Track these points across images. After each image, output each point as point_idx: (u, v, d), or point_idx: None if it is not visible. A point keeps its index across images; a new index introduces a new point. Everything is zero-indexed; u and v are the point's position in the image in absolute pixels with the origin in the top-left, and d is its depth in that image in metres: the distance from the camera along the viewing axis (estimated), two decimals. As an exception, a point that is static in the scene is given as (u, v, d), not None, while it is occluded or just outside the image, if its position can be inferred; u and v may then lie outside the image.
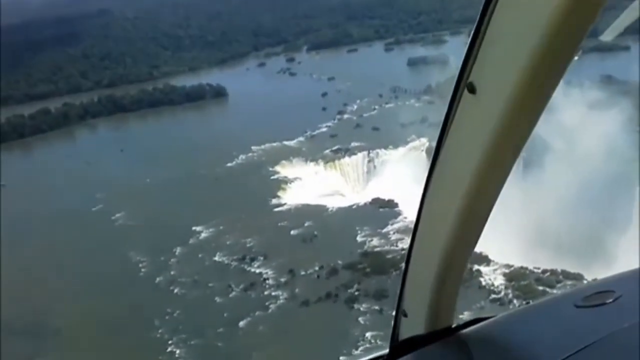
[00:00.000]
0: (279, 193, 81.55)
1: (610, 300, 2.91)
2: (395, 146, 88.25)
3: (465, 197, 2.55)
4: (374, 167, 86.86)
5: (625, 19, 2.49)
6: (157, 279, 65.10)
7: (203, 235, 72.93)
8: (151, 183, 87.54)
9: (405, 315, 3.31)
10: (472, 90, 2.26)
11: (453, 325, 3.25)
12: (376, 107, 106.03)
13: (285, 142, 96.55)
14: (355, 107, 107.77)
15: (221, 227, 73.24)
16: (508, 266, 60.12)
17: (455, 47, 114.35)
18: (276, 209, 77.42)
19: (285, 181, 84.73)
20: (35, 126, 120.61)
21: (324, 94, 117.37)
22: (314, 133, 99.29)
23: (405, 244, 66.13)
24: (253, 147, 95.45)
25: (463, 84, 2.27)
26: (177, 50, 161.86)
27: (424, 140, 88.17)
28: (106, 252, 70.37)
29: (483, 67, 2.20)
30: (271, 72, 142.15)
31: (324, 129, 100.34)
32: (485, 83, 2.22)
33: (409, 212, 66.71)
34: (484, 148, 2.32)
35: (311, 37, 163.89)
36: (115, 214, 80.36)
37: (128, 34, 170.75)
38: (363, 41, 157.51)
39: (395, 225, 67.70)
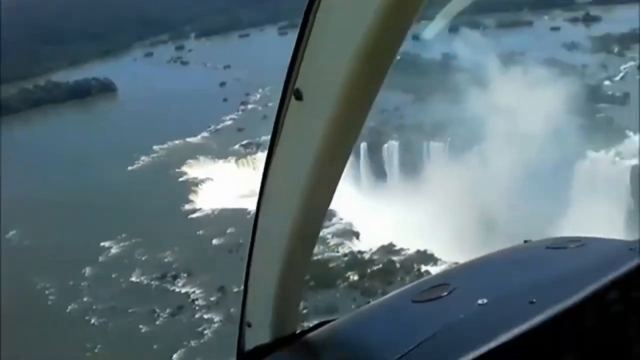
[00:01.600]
0: (191, 197, 75.17)
1: (446, 293, 3.04)
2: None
3: (299, 203, 2.55)
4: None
5: (445, 16, 2.59)
6: (69, 308, 57.87)
7: (113, 251, 66.07)
8: (44, 194, 79.04)
9: (250, 326, 3.30)
10: (298, 97, 2.25)
11: (297, 332, 3.25)
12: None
13: (189, 139, 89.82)
14: (259, 96, 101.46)
15: (133, 241, 66.52)
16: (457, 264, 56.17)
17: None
18: (191, 216, 71.22)
19: (196, 182, 78.24)
20: None
21: (222, 84, 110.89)
22: (219, 127, 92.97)
23: (346, 248, 61.36)
24: (154, 147, 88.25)
25: (290, 91, 2.26)
26: (58, 44, 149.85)
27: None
28: (3, 279, 62.32)
29: (308, 72, 2.19)
30: (160, 61, 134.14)
31: (229, 122, 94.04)
32: (310, 89, 2.22)
33: (345, 212, 61.89)
34: (314, 154, 2.34)
35: (199, 24, 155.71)
36: (7, 232, 72.01)
37: (5, 30, 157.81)
38: (254, 26, 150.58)
39: (332, 229, 62.53)
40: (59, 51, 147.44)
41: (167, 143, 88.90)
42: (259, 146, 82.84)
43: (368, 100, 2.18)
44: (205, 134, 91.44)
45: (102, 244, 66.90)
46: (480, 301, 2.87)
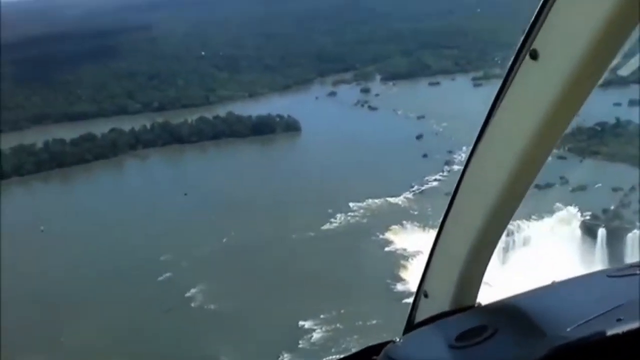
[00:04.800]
0: (401, 273, 63.04)
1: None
2: (539, 217, 69.90)
3: (512, 163, 2.61)
4: (513, 243, 68.37)
5: None
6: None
7: (315, 336, 54.72)
8: (228, 245, 69.77)
9: (426, 296, 3.31)
10: (534, 56, 2.37)
11: (476, 305, 3.20)
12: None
13: (390, 199, 78.41)
14: (464, 156, 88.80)
15: (338, 326, 54.98)
16: None
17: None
18: (406, 300, 59.04)
19: (405, 256, 66.04)
20: (77, 154, 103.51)
21: (419, 137, 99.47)
22: (423, 188, 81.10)
23: None
24: (351, 204, 77.41)
25: (526, 50, 2.38)
26: (234, 73, 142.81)
27: (572, 210, 70.36)
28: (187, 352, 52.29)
29: (548, 34, 2.30)
30: (345, 103, 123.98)
31: (434, 184, 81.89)
32: (548, 50, 2.33)
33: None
34: (539, 114, 2.43)
35: (382, 66, 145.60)
36: (189, 290, 62.52)
37: (178, 52, 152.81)
38: (443, 73, 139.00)
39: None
40: (235, 80, 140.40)
41: (365, 201, 77.89)
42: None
43: (602, 69, 2.25)
44: (408, 194, 79.86)
45: (300, 323, 55.97)
46: None
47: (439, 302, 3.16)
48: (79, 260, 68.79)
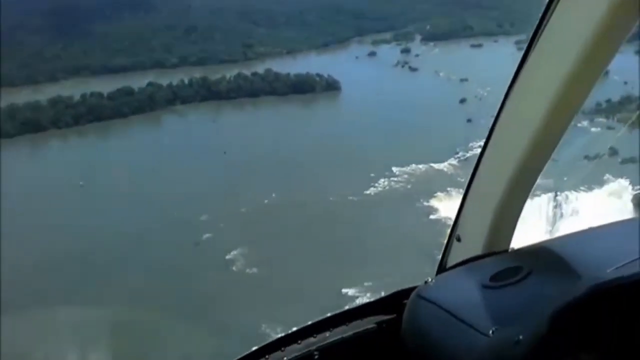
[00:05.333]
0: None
1: None
2: (589, 188, 67.90)
3: (549, 102, 2.65)
4: (561, 215, 66.38)
5: None
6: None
7: (358, 301, 53.61)
8: (269, 206, 68.67)
9: (459, 240, 3.34)
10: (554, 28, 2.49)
11: (509, 249, 3.20)
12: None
13: (434, 165, 76.80)
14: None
15: (382, 294, 53.72)
16: None
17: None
18: (452, 270, 57.79)
19: (450, 224, 64.49)
20: (115, 108, 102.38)
21: (462, 100, 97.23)
22: (468, 155, 78.92)
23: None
24: (394, 169, 75.70)
25: (544, 23, 2.49)
26: (271, 29, 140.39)
27: (623, 182, 68.36)
28: (231, 313, 51.37)
29: (563, 9, 2.41)
30: (385, 63, 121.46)
31: (478, 150, 79.72)
32: (564, 23, 2.44)
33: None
34: (576, 55, 2.46)
35: (423, 25, 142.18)
36: (230, 251, 61.56)
37: (214, 5, 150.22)
38: (485, 35, 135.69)
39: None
40: (272, 36, 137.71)
41: (408, 166, 76.22)
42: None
43: (623, 33, 2.32)
44: (453, 161, 78.09)
45: (343, 290, 54.84)
46: None
47: (471, 246, 3.15)
48: (118, 217, 68.14)
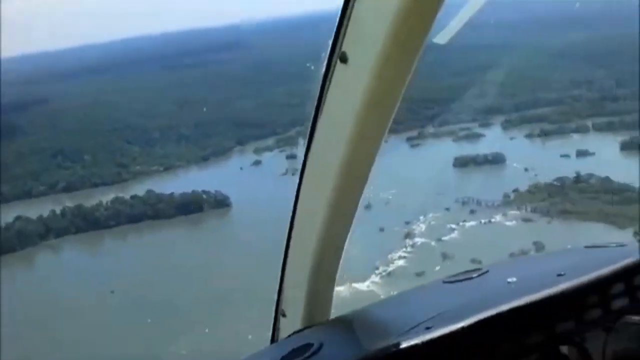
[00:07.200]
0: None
1: (476, 275, 3.16)
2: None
3: (341, 168, 2.69)
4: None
5: (459, 21, 2.63)
6: None
7: None
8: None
9: (284, 316, 3.41)
10: (344, 59, 2.44)
11: (330, 319, 3.29)
12: (453, 226, 78.79)
13: (355, 285, 68.26)
14: (423, 227, 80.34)
15: None
16: None
17: (496, 142, 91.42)
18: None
19: None
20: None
21: (367, 207, 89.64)
22: (389, 269, 71.72)
23: None
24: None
25: (336, 55, 2.46)
26: (146, 145, 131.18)
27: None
28: None
29: (353, 35, 2.38)
30: (272, 172, 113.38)
31: (401, 262, 72.62)
32: (355, 51, 2.39)
33: None
34: (357, 117, 2.50)
35: (305, 129, 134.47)
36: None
37: (81, 125, 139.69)
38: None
39: None
40: (147, 153, 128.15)
41: (328, 290, 67.56)
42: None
43: (409, 63, 2.33)
44: (375, 278, 70.22)
45: None
46: (509, 279, 2.83)
47: (293, 320, 3.23)
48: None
